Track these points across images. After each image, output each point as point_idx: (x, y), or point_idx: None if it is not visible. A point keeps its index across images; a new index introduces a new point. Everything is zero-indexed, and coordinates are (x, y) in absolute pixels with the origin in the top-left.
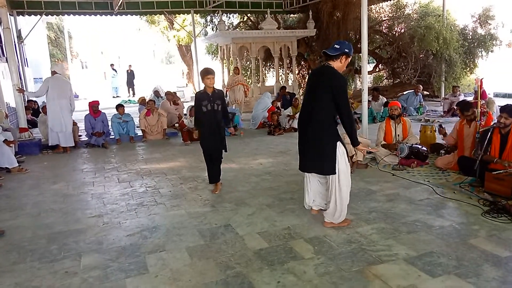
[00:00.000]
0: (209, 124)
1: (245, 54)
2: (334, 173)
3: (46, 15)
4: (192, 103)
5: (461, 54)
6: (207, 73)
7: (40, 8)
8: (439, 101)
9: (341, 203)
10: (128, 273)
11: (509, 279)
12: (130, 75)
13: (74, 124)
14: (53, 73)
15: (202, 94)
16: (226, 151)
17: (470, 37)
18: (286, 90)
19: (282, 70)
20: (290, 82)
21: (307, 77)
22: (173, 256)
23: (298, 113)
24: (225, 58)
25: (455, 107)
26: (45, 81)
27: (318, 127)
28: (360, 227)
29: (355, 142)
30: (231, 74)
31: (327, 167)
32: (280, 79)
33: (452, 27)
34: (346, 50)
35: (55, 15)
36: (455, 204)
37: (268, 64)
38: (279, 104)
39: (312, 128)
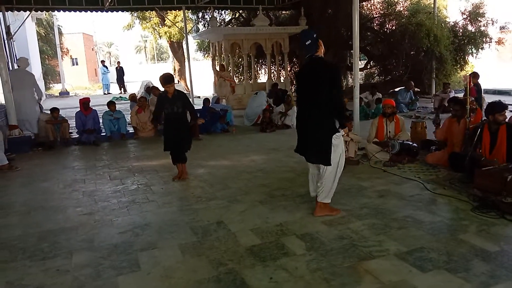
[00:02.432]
0: (170, 125)
1: (237, 50)
2: (330, 164)
3: (36, 10)
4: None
5: (452, 51)
6: (167, 82)
7: (30, 3)
8: (430, 98)
9: (327, 185)
10: (120, 270)
11: (498, 273)
12: (120, 72)
13: (65, 121)
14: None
15: (163, 97)
16: (189, 149)
17: (461, 34)
18: (278, 87)
19: (274, 67)
20: (282, 79)
21: (296, 73)
22: (165, 253)
23: (292, 109)
24: (217, 54)
25: (445, 104)
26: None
27: (319, 122)
28: (351, 223)
29: (342, 125)
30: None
31: (324, 159)
32: (272, 76)
33: (442, 24)
34: (314, 35)
35: (44, 11)
36: (445, 200)
37: (260, 61)
38: (271, 101)
39: (312, 123)
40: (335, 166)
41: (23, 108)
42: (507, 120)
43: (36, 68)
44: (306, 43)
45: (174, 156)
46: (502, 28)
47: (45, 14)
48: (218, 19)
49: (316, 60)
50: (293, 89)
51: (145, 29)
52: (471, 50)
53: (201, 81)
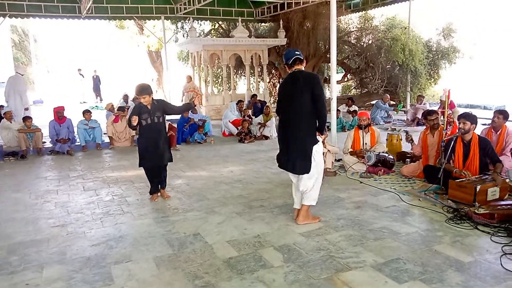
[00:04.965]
0: (150, 139)
1: (216, 61)
2: (308, 172)
3: (10, 17)
4: None
5: (426, 65)
6: (140, 93)
7: (4, 10)
8: (404, 111)
9: (309, 188)
10: (93, 284)
11: (471, 283)
12: (96, 81)
13: (38, 130)
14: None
15: (141, 107)
16: (171, 160)
17: (434, 49)
18: (257, 98)
19: (253, 78)
20: (261, 90)
21: (279, 85)
22: (139, 266)
23: (271, 120)
24: (196, 65)
25: (419, 117)
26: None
27: (304, 131)
28: (328, 234)
29: (322, 131)
30: (185, 82)
31: (305, 168)
32: (251, 87)
33: (417, 39)
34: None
35: (19, 18)
36: (420, 211)
37: (239, 71)
38: (250, 112)
39: (298, 132)
40: (317, 171)
41: (18, 110)
42: (479, 133)
43: (9, 75)
44: (296, 52)
45: (154, 177)
46: (473, 44)
47: (20, 21)
48: (197, 29)
49: (298, 72)
50: (272, 100)
51: (123, 38)
52: (444, 64)
53: (180, 90)
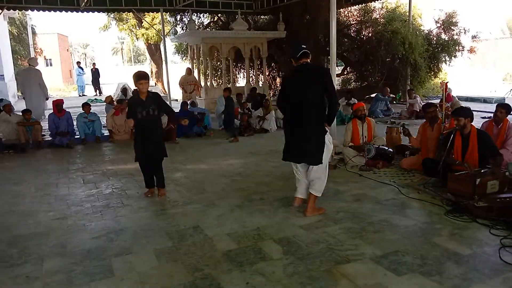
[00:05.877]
0: (144, 131)
1: (215, 54)
2: (322, 163)
3: (8, 9)
4: None
5: (426, 58)
6: (139, 77)
7: (1, 1)
8: (405, 104)
9: (322, 178)
10: (93, 276)
11: (470, 276)
12: (95, 74)
13: (37, 123)
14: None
15: (135, 100)
16: (166, 155)
17: (434, 42)
18: (257, 91)
19: (253, 71)
20: (260, 84)
21: (285, 77)
22: (140, 258)
23: (271, 113)
24: (195, 57)
25: (416, 110)
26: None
27: (315, 122)
28: (328, 227)
29: (331, 123)
30: (184, 74)
31: (320, 158)
32: (250, 80)
33: (417, 32)
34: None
35: (17, 10)
36: (419, 204)
37: (238, 65)
38: (249, 105)
39: (310, 123)
40: (326, 161)
41: (33, 101)
42: (480, 125)
43: (8, 69)
44: (303, 46)
45: (150, 172)
46: (473, 37)
47: (18, 13)
48: (196, 22)
49: (308, 65)
50: (271, 94)
51: (122, 31)
52: (445, 58)
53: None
